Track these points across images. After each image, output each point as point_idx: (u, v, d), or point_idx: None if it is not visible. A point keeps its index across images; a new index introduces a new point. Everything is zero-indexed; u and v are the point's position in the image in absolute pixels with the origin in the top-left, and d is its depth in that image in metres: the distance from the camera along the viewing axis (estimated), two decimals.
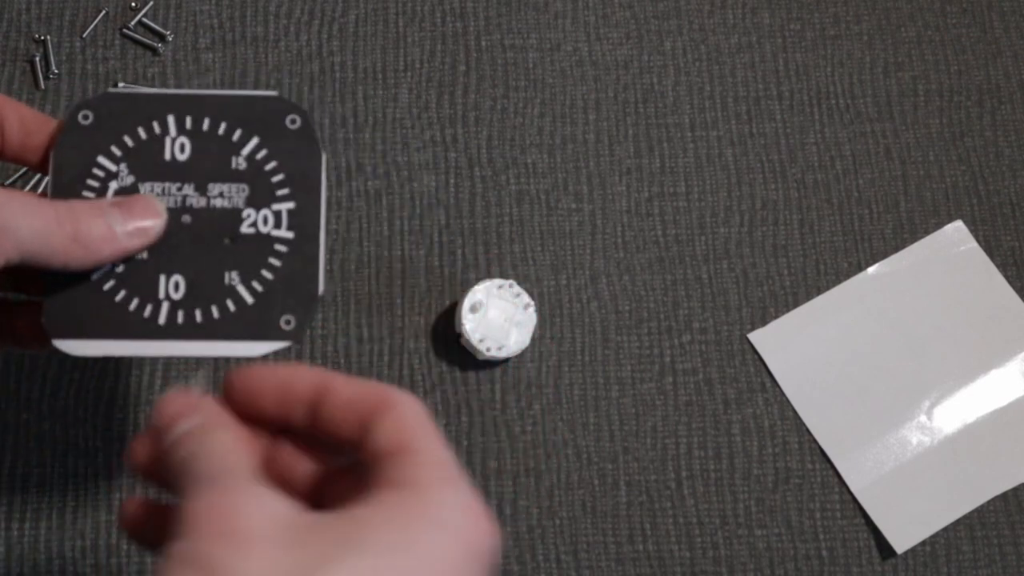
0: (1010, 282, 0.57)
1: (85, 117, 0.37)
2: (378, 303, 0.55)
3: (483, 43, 0.60)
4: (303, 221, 0.37)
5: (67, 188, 0.37)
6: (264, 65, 0.58)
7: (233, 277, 0.36)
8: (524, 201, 0.57)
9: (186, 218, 0.36)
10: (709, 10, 0.61)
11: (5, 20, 0.58)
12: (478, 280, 0.55)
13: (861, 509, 0.53)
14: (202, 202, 0.36)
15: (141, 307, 0.36)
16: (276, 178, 0.37)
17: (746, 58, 0.61)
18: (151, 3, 0.59)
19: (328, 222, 0.56)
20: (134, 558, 0.50)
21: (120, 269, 0.36)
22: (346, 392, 0.31)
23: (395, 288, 0.55)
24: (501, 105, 0.59)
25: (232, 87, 0.57)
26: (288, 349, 0.37)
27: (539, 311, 0.55)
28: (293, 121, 0.37)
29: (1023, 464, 0.54)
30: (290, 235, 0.37)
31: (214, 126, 0.37)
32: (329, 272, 0.55)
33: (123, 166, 0.36)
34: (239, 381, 0.32)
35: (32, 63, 0.57)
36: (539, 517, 0.52)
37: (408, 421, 0.30)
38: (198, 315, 0.36)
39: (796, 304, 0.56)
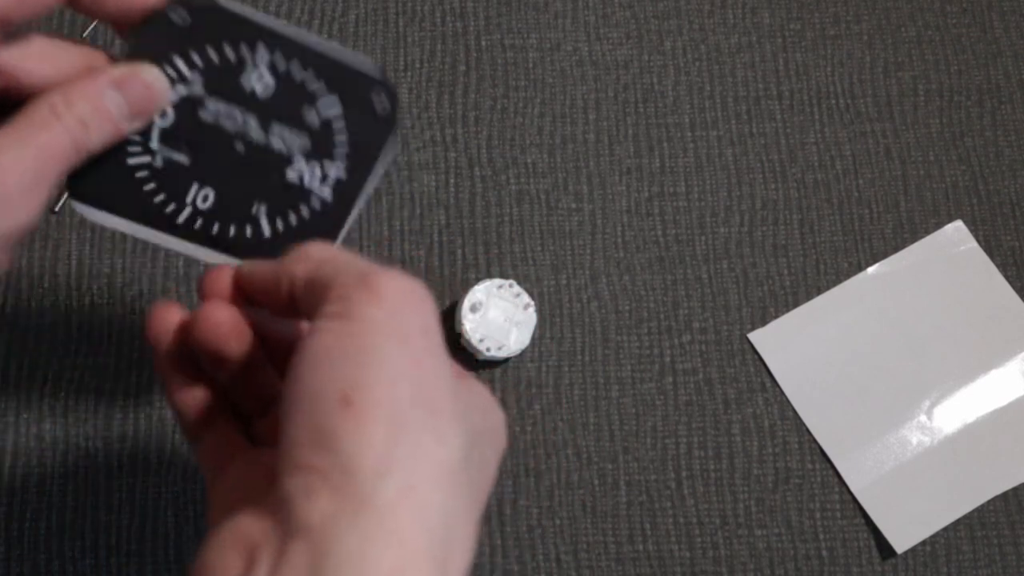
0: (1010, 282, 0.57)
1: (181, 18, 0.36)
2: None
3: (483, 43, 0.60)
4: (347, 189, 0.37)
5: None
6: None
7: (260, 209, 0.37)
8: (524, 201, 0.57)
9: (240, 146, 0.36)
10: (709, 10, 0.61)
11: None
12: (478, 280, 0.55)
13: (861, 509, 0.53)
14: (260, 137, 0.37)
15: (166, 203, 0.36)
16: (340, 142, 0.37)
17: (746, 58, 0.61)
18: None
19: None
20: (134, 558, 0.50)
21: (159, 164, 0.36)
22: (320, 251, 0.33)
23: None
24: (501, 105, 0.59)
25: None
26: None
27: (539, 311, 0.55)
28: (383, 106, 0.38)
29: (1023, 464, 0.54)
30: (329, 196, 0.37)
31: (303, 76, 0.37)
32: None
33: (197, 75, 0.36)
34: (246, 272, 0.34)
35: None
36: (539, 517, 0.52)
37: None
38: (215, 228, 0.37)
39: (796, 304, 0.56)
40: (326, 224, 0.37)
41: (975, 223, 0.58)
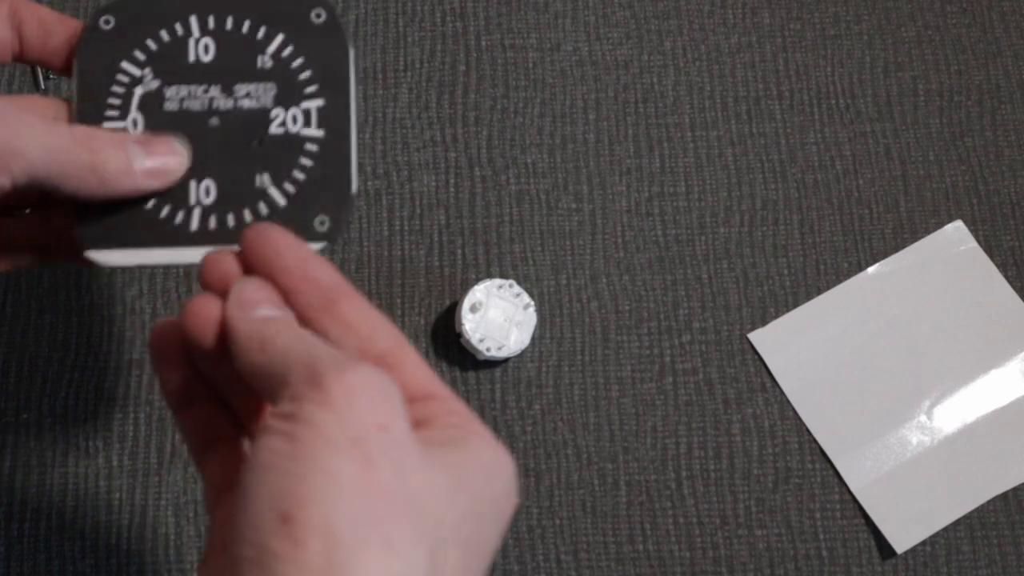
0: (1010, 282, 0.57)
1: (107, 22, 0.36)
2: (378, 303, 0.55)
3: (483, 43, 0.60)
4: (333, 118, 0.36)
5: (92, 94, 0.36)
6: None
7: (264, 179, 0.36)
8: (524, 201, 0.57)
9: (214, 121, 0.36)
10: (709, 10, 0.61)
11: None
12: (478, 280, 0.55)
13: (861, 509, 0.53)
14: (229, 104, 0.36)
15: (172, 214, 0.35)
16: (303, 75, 0.36)
17: (746, 58, 0.61)
18: None
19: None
20: (134, 558, 0.50)
21: None
22: (362, 307, 0.31)
23: (395, 288, 0.55)
24: (501, 105, 0.59)
25: None
26: (324, 251, 0.36)
27: (539, 311, 0.55)
28: (318, 15, 0.37)
29: (1023, 464, 0.54)
30: (320, 133, 0.36)
31: (237, 25, 0.36)
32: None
33: (147, 70, 0.36)
34: (261, 238, 0.32)
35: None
36: (539, 517, 0.52)
37: (422, 367, 0.31)
38: (230, 220, 0.36)
39: (796, 304, 0.56)
40: (332, 161, 0.36)
41: (975, 223, 0.58)
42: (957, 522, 0.53)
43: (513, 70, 0.59)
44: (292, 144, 0.36)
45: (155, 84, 0.36)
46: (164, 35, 0.36)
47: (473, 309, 0.52)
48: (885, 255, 0.57)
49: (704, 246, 0.57)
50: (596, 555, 0.52)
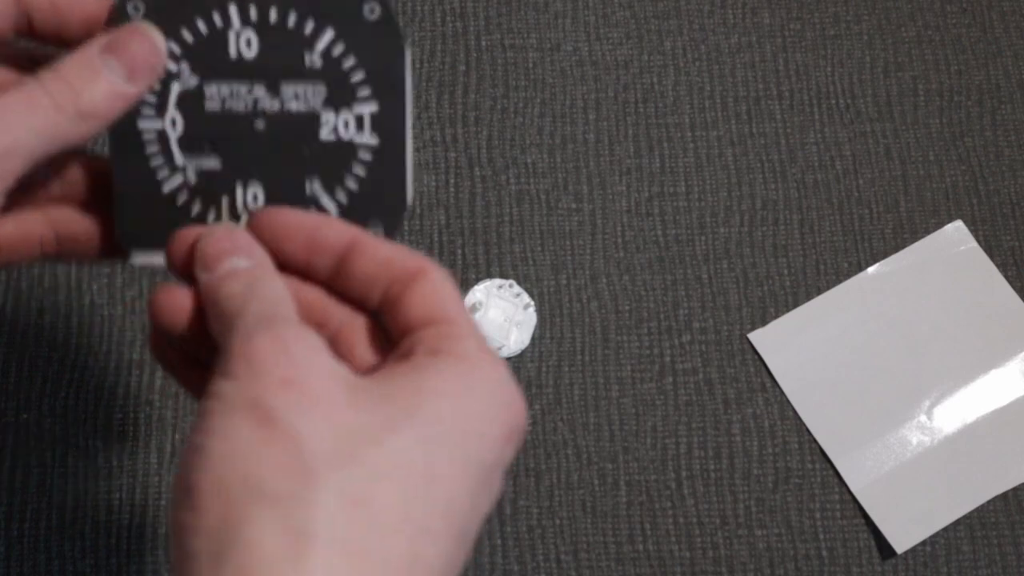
0: (1010, 282, 0.57)
1: (136, 8, 0.33)
2: None
3: (483, 43, 0.60)
4: (387, 124, 0.34)
5: None
6: None
7: (315, 187, 0.34)
8: (524, 201, 0.57)
9: (259, 124, 0.33)
10: (709, 10, 0.61)
11: None
12: (478, 280, 0.55)
13: (861, 509, 0.53)
14: (275, 105, 0.33)
15: (219, 219, 0.34)
16: (356, 77, 0.33)
17: (746, 58, 0.61)
18: None
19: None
20: (134, 558, 0.50)
21: (193, 179, 0.33)
22: (380, 252, 0.30)
23: None
24: (501, 105, 0.59)
25: None
26: None
27: (539, 311, 0.55)
28: (372, 11, 0.33)
29: (1023, 464, 0.54)
30: (374, 141, 0.34)
31: (282, 17, 0.33)
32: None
33: (184, 65, 0.33)
34: (268, 219, 0.31)
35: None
36: (539, 517, 0.52)
37: (443, 290, 0.30)
38: None
39: (796, 304, 0.56)
40: (386, 169, 0.34)
41: (975, 223, 0.58)
42: (957, 522, 0.53)
43: (513, 70, 0.59)
44: (344, 151, 0.34)
45: (194, 81, 0.33)
46: (201, 26, 0.33)
47: (473, 309, 0.52)
48: (885, 255, 0.57)
49: (704, 246, 0.57)
50: (596, 555, 0.52)
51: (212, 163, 0.33)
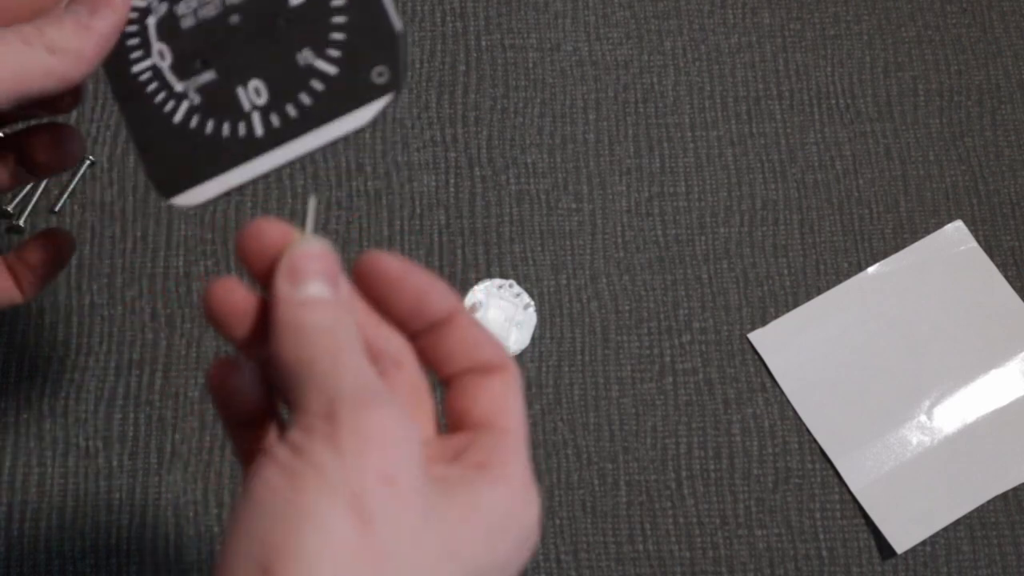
0: (1010, 282, 0.57)
1: None
2: None
3: (483, 43, 0.60)
4: None
5: None
6: None
7: (306, 55, 0.33)
8: (524, 201, 0.57)
9: (234, 19, 0.34)
10: (709, 10, 0.61)
11: None
12: (478, 280, 0.55)
13: (861, 509, 0.53)
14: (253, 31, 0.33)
15: (234, 128, 0.34)
16: None
17: (746, 58, 0.61)
18: None
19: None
20: (134, 558, 0.50)
21: (196, 101, 0.34)
22: (471, 333, 0.30)
23: None
24: (501, 105, 0.59)
25: None
26: (391, 104, 0.34)
27: (539, 311, 0.55)
28: None
29: (1023, 464, 0.54)
30: None
31: None
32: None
33: None
34: (377, 266, 0.30)
35: None
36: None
37: (511, 396, 0.30)
38: (291, 110, 0.34)
39: (796, 304, 0.56)
40: (366, 11, 0.33)
41: (975, 223, 0.58)
42: (957, 522, 0.53)
43: (513, 70, 0.59)
44: (318, 7, 0.33)
45: (164, 7, 0.34)
46: None
47: (473, 309, 0.52)
48: (885, 255, 0.57)
49: (704, 246, 0.57)
50: (596, 555, 0.52)
51: (208, 76, 0.34)
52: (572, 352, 0.55)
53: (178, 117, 0.34)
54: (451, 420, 0.30)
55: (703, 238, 0.57)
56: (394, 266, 0.30)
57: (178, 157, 0.34)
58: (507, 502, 0.27)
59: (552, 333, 0.55)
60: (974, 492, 0.53)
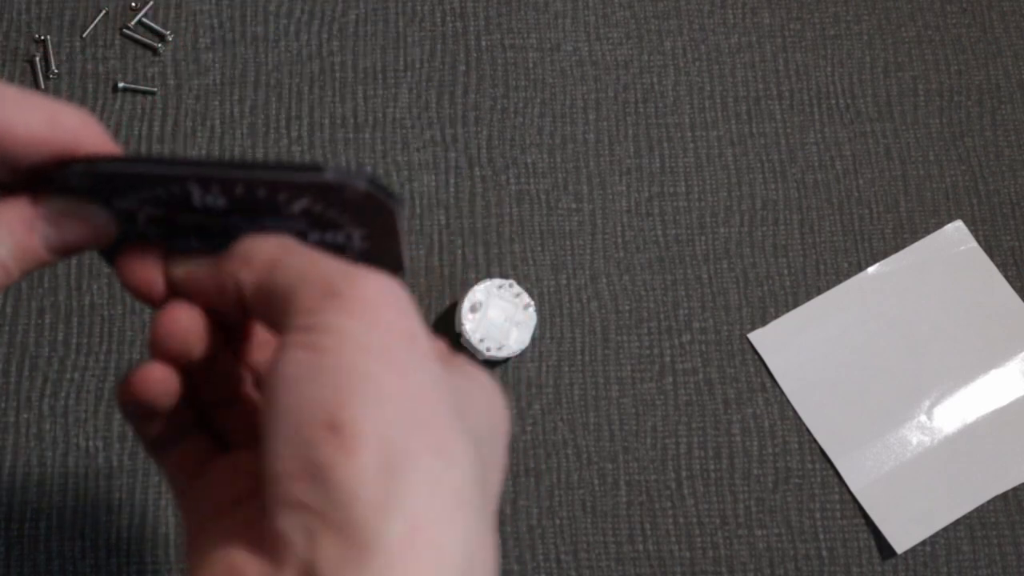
0: (1010, 282, 0.57)
1: (80, 180, 0.28)
2: None
3: (483, 43, 0.60)
4: (379, 241, 0.30)
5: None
6: (264, 65, 0.58)
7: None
8: (524, 201, 0.57)
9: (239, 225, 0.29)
10: (709, 10, 0.61)
11: (5, 20, 0.58)
12: (478, 280, 0.55)
13: (861, 509, 0.53)
14: (254, 227, 0.29)
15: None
16: (342, 220, 0.29)
17: (746, 58, 0.61)
18: (151, 3, 0.59)
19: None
20: (134, 558, 0.50)
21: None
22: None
23: None
24: (501, 105, 0.59)
25: (232, 85, 0.57)
26: None
27: (539, 311, 0.55)
28: (356, 190, 0.28)
29: (1023, 464, 0.54)
30: (366, 246, 0.30)
31: (257, 194, 0.28)
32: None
33: (144, 208, 0.29)
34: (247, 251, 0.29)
35: (32, 63, 0.57)
36: (539, 517, 0.52)
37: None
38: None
39: (796, 304, 0.56)
40: (381, 257, 0.30)
41: (975, 223, 0.58)
42: (957, 522, 0.53)
43: (513, 70, 0.59)
44: (333, 250, 0.30)
45: (160, 212, 0.29)
46: (162, 192, 0.28)
47: (473, 309, 0.52)
48: (885, 255, 0.57)
49: (704, 246, 0.57)
50: (596, 555, 0.52)
51: (192, 243, 0.30)
52: (572, 352, 0.55)
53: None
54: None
55: (703, 238, 0.57)
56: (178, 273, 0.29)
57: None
58: (483, 379, 0.29)
59: (552, 333, 0.55)
60: (974, 492, 0.53)
